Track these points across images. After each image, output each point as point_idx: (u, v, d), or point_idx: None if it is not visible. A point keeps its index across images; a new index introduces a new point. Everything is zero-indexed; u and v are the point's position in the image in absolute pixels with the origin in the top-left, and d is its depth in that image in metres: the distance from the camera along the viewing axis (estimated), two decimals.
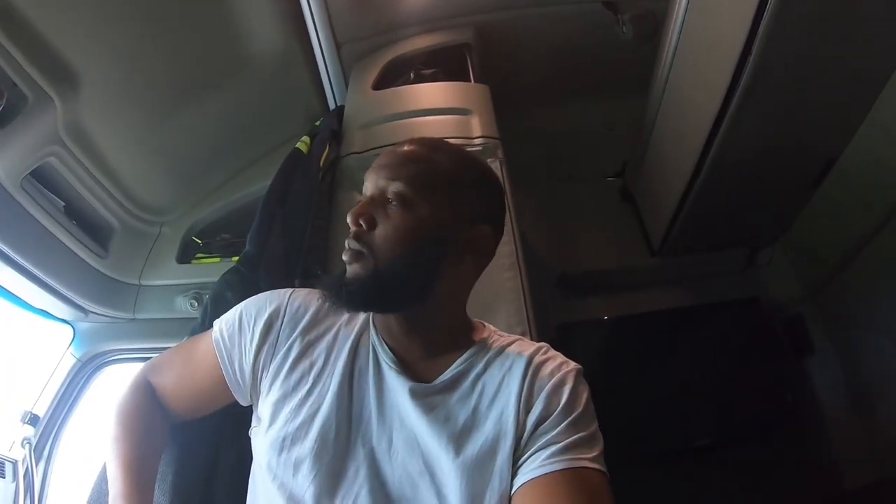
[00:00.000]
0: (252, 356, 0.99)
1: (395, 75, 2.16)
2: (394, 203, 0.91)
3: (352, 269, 0.91)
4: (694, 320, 2.51)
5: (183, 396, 1.07)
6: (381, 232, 0.90)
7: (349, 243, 0.91)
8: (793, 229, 2.43)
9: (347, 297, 0.91)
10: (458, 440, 0.86)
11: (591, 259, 2.58)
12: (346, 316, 1.02)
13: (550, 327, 2.26)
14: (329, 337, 0.99)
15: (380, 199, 0.92)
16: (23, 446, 2.02)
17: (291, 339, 0.99)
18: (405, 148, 0.97)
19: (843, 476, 2.28)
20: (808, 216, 2.32)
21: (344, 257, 0.92)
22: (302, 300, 1.04)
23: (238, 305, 1.06)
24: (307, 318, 1.01)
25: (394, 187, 0.91)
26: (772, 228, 2.46)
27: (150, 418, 1.04)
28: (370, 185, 0.94)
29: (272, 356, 0.98)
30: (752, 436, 2.36)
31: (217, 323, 1.05)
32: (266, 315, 1.01)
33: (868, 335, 2.25)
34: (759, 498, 2.21)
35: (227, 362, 1.01)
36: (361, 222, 0.91)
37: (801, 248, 2.50)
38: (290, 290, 1.07)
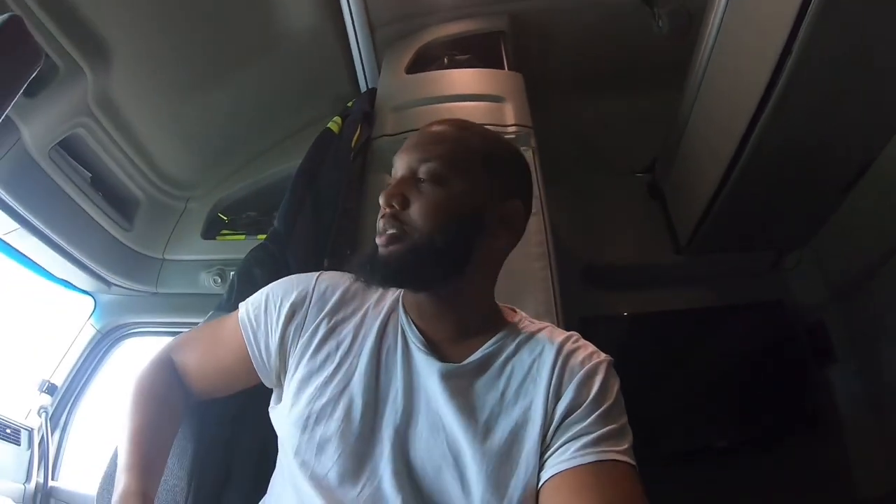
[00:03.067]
0: (278, 337, 0.98)
1: (428, 60, 2.14)
2: (426, 181, 0.91)
3: (387, 250, 0.89)
4: (716, 321, 2.49)
5: (205, 375, 1.06)
6: (416, 209, 0.89)
7: (383, 225, 0.90)
8: (821, 234, 2.39)
9: (383, 275, 0.90)
10: (484, 427, 0.85)
11: (616, 253, 2.56)
12: (374, 298, 1.01)
13: (573, 319, 2.22)
14: (357, 318, 0.98)
15: (411, 179, 0.92)
16: (39, 415, 2.03)
17: (318, 319, 0.98)
18: (434, 128, 0.98)
19: (859, 485, 2.26)
20: (837, 222, 2.28)
21: (378, 240, 0.91)
22: (329, 282, 1.03)
23: (265, 288, 1.06)
24: (334, 299, 1.00)
25: (426, 166, 0.91)
26: (800, 232, 2.42)
27: (166, 394, 1.03)
28: (401, 166, 0.95)
29: (299, 336, 0.97)
30: (769, 440, 2.34)
31: (243, 305, 1.05)
32: (293, 297, 1.00)
33: (891, 345, 2.22)
34: (774, 502, 2.19)
35: (252, 343, 1.00)
36: (394, 203, 0.90)
37: (829, 253, 2.46)
38: (317, 273, 1.06)
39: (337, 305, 1.00)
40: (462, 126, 0.99)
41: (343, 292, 1.01)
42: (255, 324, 1.00)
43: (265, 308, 1.01)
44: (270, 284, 1.06)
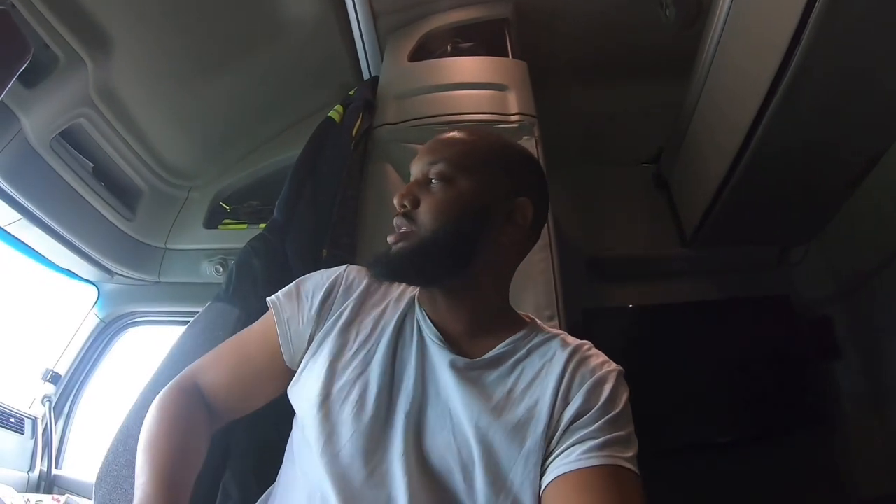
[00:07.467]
0: (312, 325, 1.01)
1: (431, 48, 2.13)
2: (435, 181, 0.96)
3: (396, 247, 0.94)
4: (720, 314, 2.46)
5: (236, 386, 1.04)
6: (424, 207, 0.95)
7: (396, 223, 0.96)
8: (828, 230, 2.35)
9: (390, 270, 0.96)
10: (488, 419, 0.87)
11: (621, 245, 2.53)
12: (395, 294, 1.06)
13: (577, 311, 2.22)
14: (379, 310, 1.03)
15: (423, 181, 0.98)
16: (43, 404, 2.05)
17: (343, 305, 1.03)
18: (443, 135, 1.04)
19: (860, 483, 2.23)
20: (844, 217, 2.24)
21: (390, 239, 0.96)
22: (357, 274, 1.08)
23: (294, 282, 1.09)
24: (360, 290, 1.05)
25: (435, 168, 0.96)
26: (807, 227, 2.37)
27: (192, 420, 0.99)
28: (414, 172, 1.01)
29: (327, 316, 1.02)
30: (771, 436, 2.32)
31: (272, 296, 1.07)
32: (324, 288, 1.05)
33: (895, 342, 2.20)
34: (775, 498, 2.18)
35: (284, 323, 1.02)
36: (406, 203, 0.96)
37: (836, 249, 2.43)
38: (346, 265, 1.12)
39: (362, 296, 1.04)
40: (470, 131, 1.05)
41: (368, 285, 1.07)
42: (286, 308, 1.04)
43: (297, 294, 1.05)
44: (299, 279, 1.10)
